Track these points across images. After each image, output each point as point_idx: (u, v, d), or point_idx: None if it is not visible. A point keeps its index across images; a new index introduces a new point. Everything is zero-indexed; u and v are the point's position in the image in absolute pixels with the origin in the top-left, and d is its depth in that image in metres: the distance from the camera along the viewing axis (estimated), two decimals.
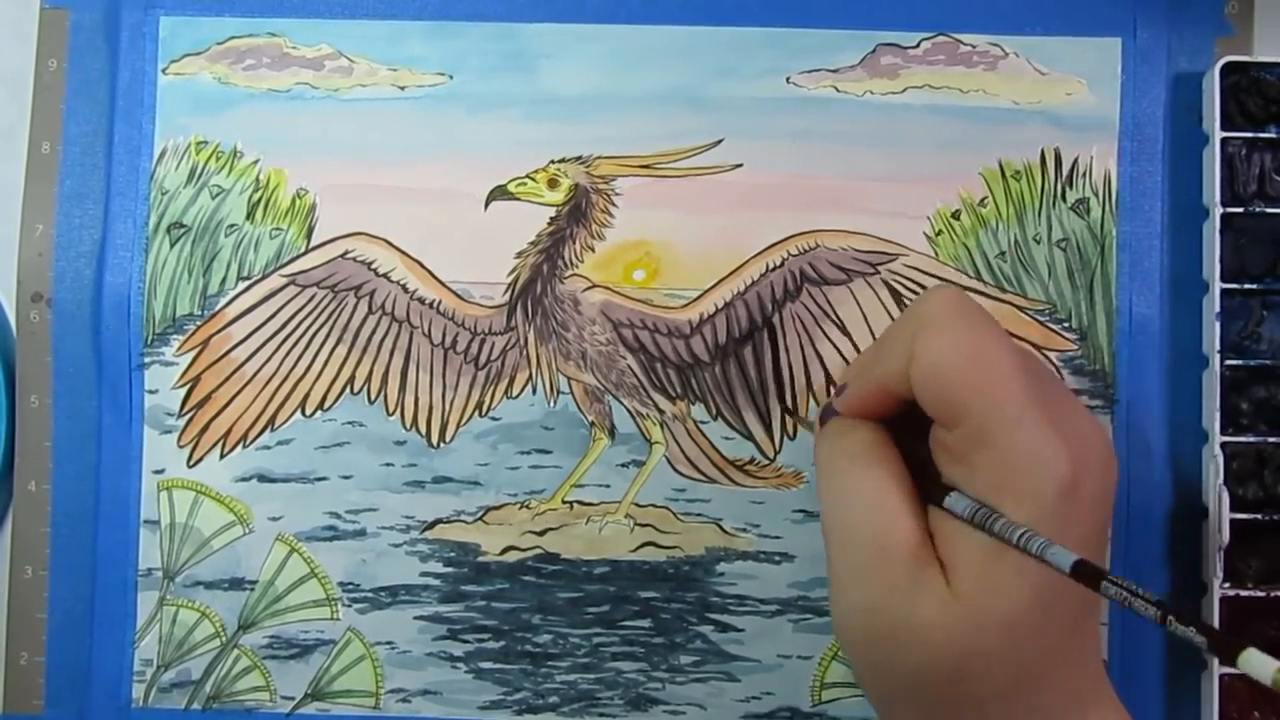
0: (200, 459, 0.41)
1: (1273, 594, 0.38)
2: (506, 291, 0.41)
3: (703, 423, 0.40)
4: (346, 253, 0.41)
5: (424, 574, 0.40)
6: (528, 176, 0.41)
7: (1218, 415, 0.38)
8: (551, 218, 0.41)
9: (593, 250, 0.41)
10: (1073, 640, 0.30)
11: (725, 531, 0.40)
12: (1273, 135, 0.39)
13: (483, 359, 0.41)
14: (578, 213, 0.41)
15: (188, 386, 0.41)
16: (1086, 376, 0.39)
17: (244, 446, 0.41)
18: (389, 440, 0.41)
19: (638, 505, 0.40)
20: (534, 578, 0.40)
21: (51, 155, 0.42)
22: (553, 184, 0.41)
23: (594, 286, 0.40)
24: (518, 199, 0.41)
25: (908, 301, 0.40)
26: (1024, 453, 0.29)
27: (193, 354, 0.41)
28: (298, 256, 0.41)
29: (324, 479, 0.41)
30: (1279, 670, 0.24)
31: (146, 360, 0.41)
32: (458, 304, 0.41)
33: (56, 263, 0.41)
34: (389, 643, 0.41)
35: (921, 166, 0.40)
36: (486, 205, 0.41)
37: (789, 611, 0.40)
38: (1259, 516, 0.38)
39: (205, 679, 0.41)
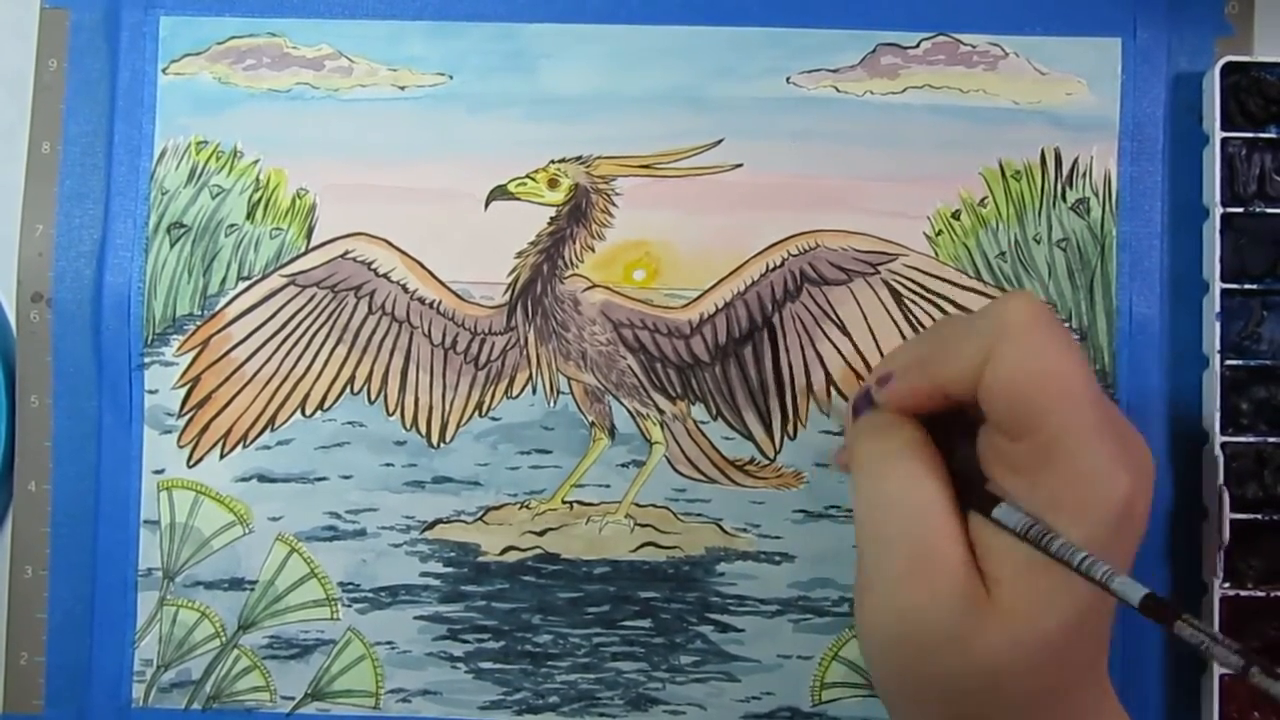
0: (200, 459, 0.41)
1: (1273, 594, 0.38)
2: (506, 291, 0.41)
3: (703, 423, 0.40)
4: (346, 253, 0.41)
5: (424, 574, 0.40)
6: (528, 176, 0.41)
7: (1218, 415, 0.38)
8: (551, 218, 0.41)
9: (593, 250, 0.41)
10: (1099, 654, 0.30)
11: (725, 531, 0.40)
12: (1273, 135, 0.39)
13: (483, 359, 0.41)
14: (578, 213, 0.41)
15: (188, 386, 0.41)
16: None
17: (244, 446, 0.41)
18: (389, 440, 0.41)
19: (638, 505, 0.40)
20: (534, 578, 0.40)
21: (51, 155, 0.42)
22: (553, 184, 0.41)
23: (594, 286, 0.40)
24: (518, 199, 0.41)
25: (907, 302, 0.40)
26: (1090, 473, 0.28)
27: (193, 354, 0.41)
28: (298, 256, 0.41)
29: (324, 479, 0.41)
30: None
31: (146, 360, 0.41)
32: (458, 304, 0.41)
33: (56, 263, 0.41)
34: (389, 643, 0.41)
35: (921, 166, 0.40)
36: (486, 205, 0.41)
37: (789, 611, 0.40)
38: (1259, 516, 0.38)
39: (205, 679, 0.41)
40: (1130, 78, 0.40)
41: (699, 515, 0.40)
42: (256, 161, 0.41)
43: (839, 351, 0.40)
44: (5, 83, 0.42)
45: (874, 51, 0.40)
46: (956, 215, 0.40)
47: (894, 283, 0.40)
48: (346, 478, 0.41)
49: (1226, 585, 0.38)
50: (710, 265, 0.40)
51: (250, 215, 0.41)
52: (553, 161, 0.41)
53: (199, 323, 0.41)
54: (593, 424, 0.40)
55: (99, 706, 0.40)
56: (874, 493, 0.31)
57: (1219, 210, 0.38)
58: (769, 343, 0.40)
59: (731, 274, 0.40)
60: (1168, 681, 0.39)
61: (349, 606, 0.41)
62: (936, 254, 0.40)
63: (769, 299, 0.40)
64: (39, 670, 0.41)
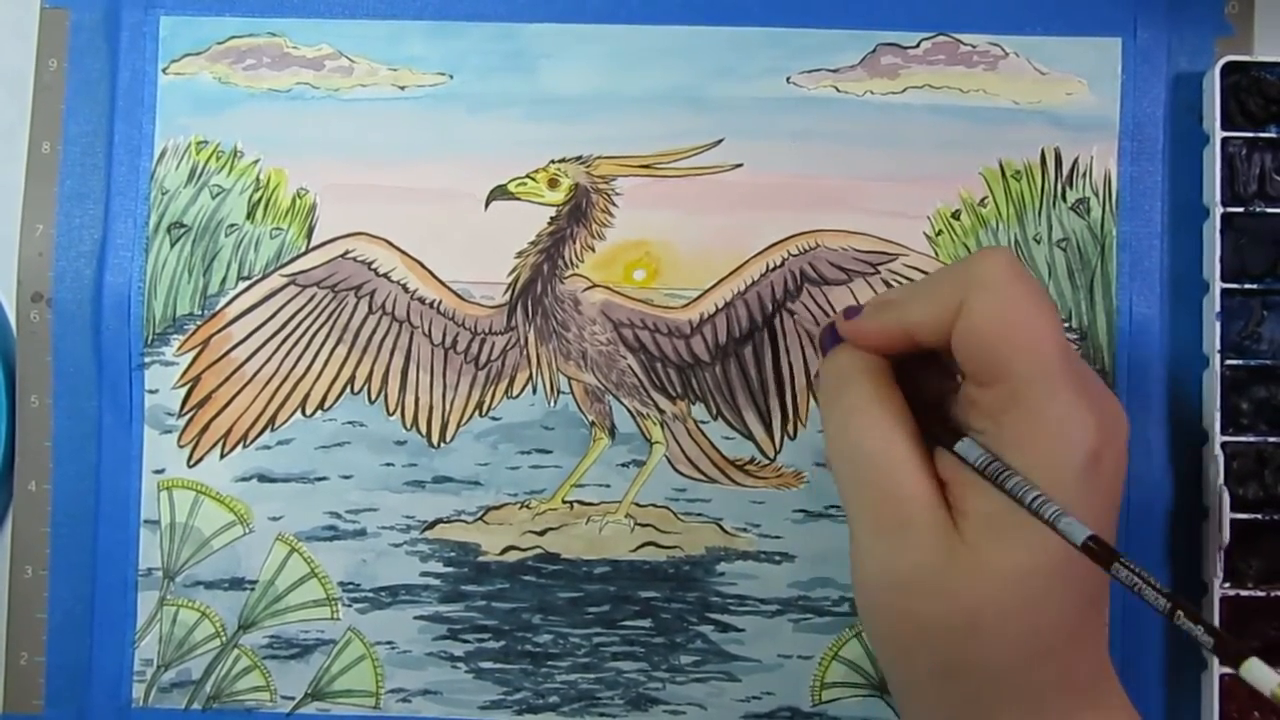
0: (200, 459, 0.41)
1: (1273, 594, 0.38)
2: (507, 291, 0.41)
3: (703, 423, 0.40)
4: (347, 253, 0.41)
5: (424, 574, 0.40)
6: (528, 176, 0.41)
7: (1218, 415, 0.38)
8: (552, 218, 0.41)
9: (593, 250, 0.41)
10: (1085, 623, 0.30)
11: (725, 531, 0.40)
12: (1273, 135, 0.39)
13: (483, 359, 0.41)
14: (578, 212, 0.41)
15: (188, 386, 0.41)
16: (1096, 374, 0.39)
17: (244, 446, 0.41)
18: (389, 440, 0.41)
19: (638, 505, 0.40)
20: (534, 577, 0.40)
21: (51, 155, 0.42)
22: (553, 184, 0.41)
23: (594, 286, 0.40)
24: (518, 199, 0.41)
25: None
26: (1056, 418, 0.29)
27: (193, 354, 0.41)
28: (298, 256, 0.41)
29: (324, 479, 0.41)
30: None
31: (147, 360, 0.41)
32: (458, 304, 0.41)
33: (57, 263, 0.41)
34: (389, 642, 0.41)
35: (922, 166, 0.40)
36: (487, 205, 0.41)
37: (789, 611, 0.40)
38: (1259, 516, 0.38)
39: (205, 679, 0.41)
40: (1130, 78, 0.40)
41: (699, 515, 0.40)
42: (257, 161, 0.41)
43: None
44: (5, 83, 0.42)
45: (874, 51, 0.40)
46: (956, 215, 0.40)
47: (894, 282, 0.40)
48: (347, 477, 0.41)
49: (1226, 585, 0.38)
50: (710, 265, 0.40)
51: (250, 215, 0.41)
52: (553, 161, 0.41)
53: (199, 322, 0.41)
54: (593, 424, 0.40)
55: (99, 706, 0.40)
56: (838, 438, 0.32)
57: (1219, 210, 0.38)
58: (769, 342, 0.40)
59: (732, 274, 0.40)
60: (1168, 680, 0.39)
61: (349, 606, 0.41)
62: (937, 254, 0.40)
63: (769, 299, 0.40)
64: (39, 670, 0.41)
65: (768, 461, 0.40)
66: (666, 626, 0.40)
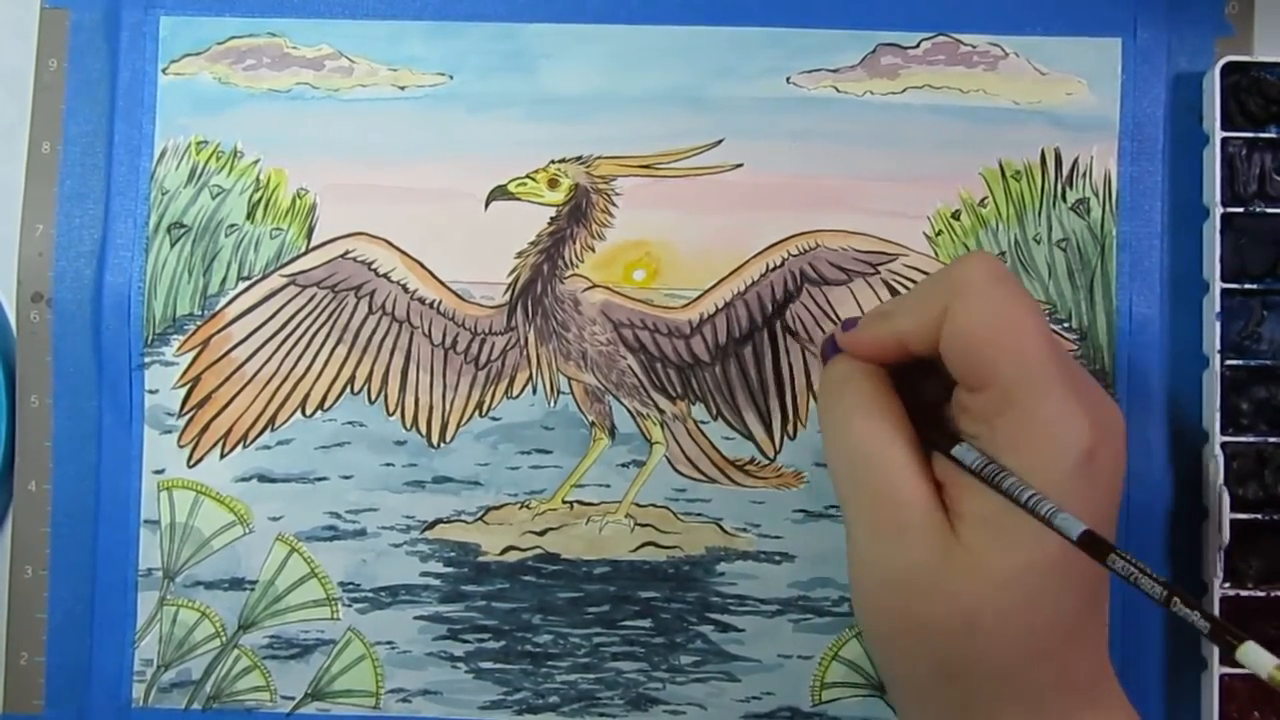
0: (200, 459, 0.41)
1: (1273, 594, 0.38)
2: (507, 291, 0.41)
3: (703, 423, 0.40)
4: (347, 253, 0.41)
5: (424, 574, 0.40)
6: (528, 176, 0.41)
7: (1218, 415, 0.38)
8: (552, 218, 0.41)
9: (593, 250, 0.41)
10: (1083, 623, 0.30)
11: (725, 531, 0.40)
12: (1273, 135, 0.39)
13: (483, 359, 0.41)
14: (578, 213, 0.41)
15: (188, 386, 0.41)
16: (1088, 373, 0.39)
17: (244, 446, 0.41)
18: (389, 440, 0.41)
19: (638, 505, 0.40)
20: (534, 578, 0.40)
21: (51, 155, 0.42)
22: (553, 184, 0.41)
23: (594, 286, 0.40)
24: (518, 199, 0.41)
25: None
26: (1047, 419, 0.29)
27: (193, 354, 0.41)
28: (298, 256, 0.41)
29: (324, 479, 0.41)
30: (1277, 667, 0.24)
31: (146, 360, 0.41)
32: (458, 304, 0.41)
33: (57, 262, 0.41)
34: (389, 643, 0.41)
35: (921, 166, 0.40)
36: (487, 205, 0.41)
37: (789, 611, 0.40)
38: (1259, 516, 0.38)
39: (205, 679, 0.41)
40: (1130, 78, 0.40)
41: (699, 515, 0.40)
42: (256, 161, 0.41)
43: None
44: (5, 83, 0.42)
45: (874, 51, 0.40)
46: (956, 215, 0.40)
47: (894, 283, 0.40)
48: (347, 478, 0.41)
49: (1226, 585, 0.38)
50: (710, 265, 0.40)
51: (250, 215, 0.41)
52: (553, 161, 0.41)
53: (199, 323, 0.41)
54: (593, 424, 0.40)
55: (99, 706, 0.40)
56: (838, 443, 0.32)
57: (1219, 210, 0.38)
58: (769, 343, 0.40)
59: (731, 274, 0.40)
60: (1168, 680, 0.39)
61: (349, 606, 0.41)
62: (936, 254, 0.40)
63: (769, 299, 0.40)
64: (39, 670, 0.41)
65: (768, 461, 0.40)
66: (666, 626, 0.40)
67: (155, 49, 0.41)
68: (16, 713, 0.41)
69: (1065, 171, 0.40)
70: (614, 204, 0.41)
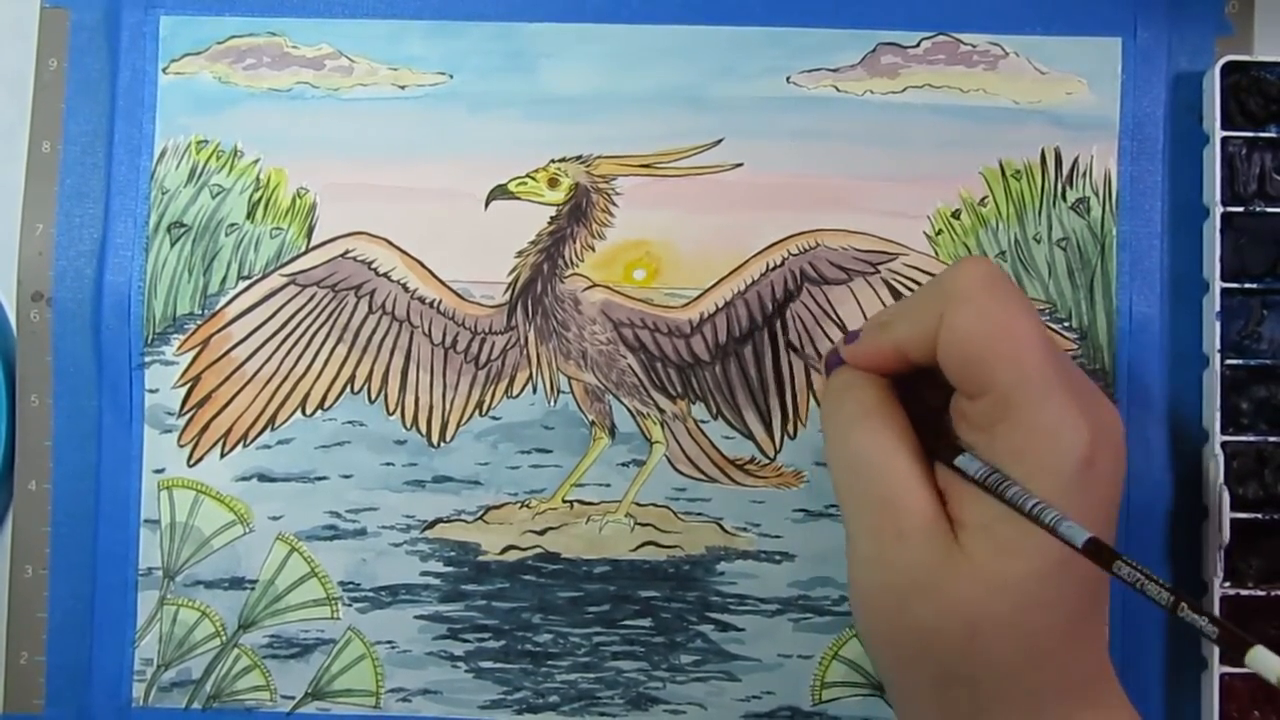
0: (200, 458, 0.41)
1: (1273, 593, 0.38)
2: (507, 291, 0.41)
3: (703, 422, 0.40)
4: (347, 252, 0.41)
5: (424, 573, 0.40)
6: (528, 176, 0.41)
7: (1218, 415, 0.38)
8: (552, 217, 0.41)
9: (593, 250, 0.41)
10: (1083, 625, 0.30)
11: (725, 531, 0.40)
12: (1273, 135, 0.39)
13: (483, 358, 0.41)
14: (578, 212, 0.41)
15: (188, 386, 0.41)
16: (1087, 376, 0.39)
17: (244, 446, 0.41)
18: (389, 440, 0.41)
19: (638, 504, 0.40)
20: (534, 577, 0.40)
21: (52, 155, 0.42)
22: (553, 183, 0.41)
23: (594, 286, 0.40)
24: (518, 198, 0.41)
25: None
26: (1046, 426, 0.29)
27: (193, 353, 0.41)
28: (298, 256, 0.41)
29: (324, 478, 0.41)
30: None
31: (147, 360, 0.41)
32: (458, 303, 0.41)
33: (57, 262, 0.41)
34: (389, 642, 0.41)
35: (921, 166, 0.40)
36: (487, 205, 0.41)
37: (789, 611, 0.40)
38: (1259, 516, 0.38)
39: (205, 678, 0.41)
40: (1130, 77, 0.40)
41: (699, 514, 0.40)
42: (257, 161, 0.41)
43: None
44: (5, 83, 0.42)
45: (874, 51, 0.40)
46: (957, 215, 0.40)
47: (894, 282, 0.40)
48: (347, 477, 0.41)
49: (1227, 585, 0.38)
50: (710, 265, 0.40)
51: (250, 215, 0.41)
52: (553, 161, 0.41)
53: (199, 322, 0.41)
54: (593, 423, 0.40)
55: (99, 706, 0.40)
56: (840, 450, 0.32)
57: (1219, 210, 0.38)
58: (769, 342, 0.40)
59: (732, 273, 0.40)
60: (1168, 680, 0.39)
61: (349, 606, 0.41)
62: (937, 254, 0.40)
63: (769, 298, 0.40)
64: (39, 670, 0.41)
65: (768, 461, 0.40)
66: (666, 626, 0.40)
67: (155, 48, 0.41)
68: (16, 712, 0.41)
69: (1065, 171, 0.40)
70: (614, 203, 0.41)
